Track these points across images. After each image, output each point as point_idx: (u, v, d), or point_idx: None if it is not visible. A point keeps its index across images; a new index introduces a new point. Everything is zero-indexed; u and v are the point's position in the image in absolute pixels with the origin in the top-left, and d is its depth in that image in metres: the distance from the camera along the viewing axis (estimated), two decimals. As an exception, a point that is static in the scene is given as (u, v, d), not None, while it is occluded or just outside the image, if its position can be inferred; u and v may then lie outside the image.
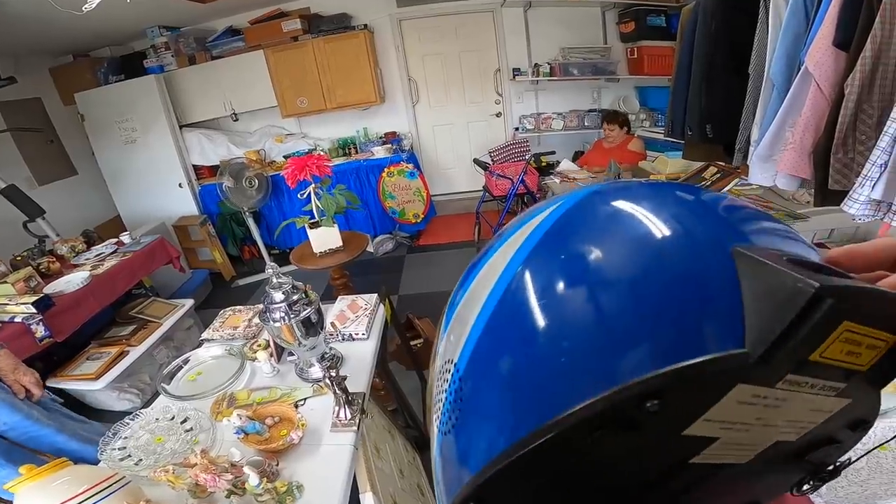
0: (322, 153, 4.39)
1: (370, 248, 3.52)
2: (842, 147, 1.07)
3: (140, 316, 2.73)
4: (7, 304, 2.15)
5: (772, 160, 1.33)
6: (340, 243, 2.24)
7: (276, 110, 4.44)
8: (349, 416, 1.05)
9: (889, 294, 0.18)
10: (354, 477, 1.02)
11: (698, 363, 0.17)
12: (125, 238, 3.03)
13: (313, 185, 2.12)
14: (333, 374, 1.01)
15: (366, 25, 4.20)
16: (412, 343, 2.43)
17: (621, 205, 0.23)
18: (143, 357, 2.55)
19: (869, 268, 0.23)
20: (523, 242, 0.24)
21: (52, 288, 2.41)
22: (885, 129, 0.93)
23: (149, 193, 4.23)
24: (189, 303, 2.96)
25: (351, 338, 1.41)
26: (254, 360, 1.33)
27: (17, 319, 2.10)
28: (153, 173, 4.17)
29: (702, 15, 1.77)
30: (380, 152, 4.29)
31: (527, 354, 0.20)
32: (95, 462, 1.07)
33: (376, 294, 1.60)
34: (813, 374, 0.19)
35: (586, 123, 4.54)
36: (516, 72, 4.48)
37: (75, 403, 2.38)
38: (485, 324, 0.23)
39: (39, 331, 2.14)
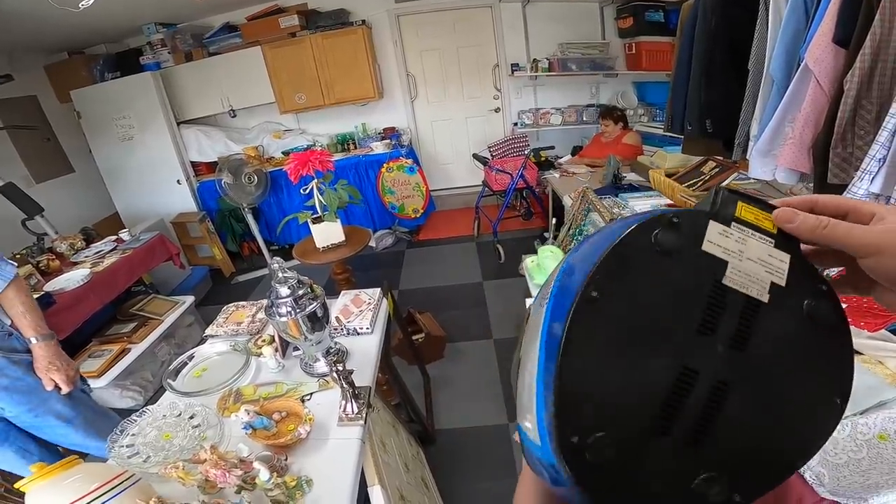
0: (320, 148, 4.38)
1: (371, 243, 3.53)
2: (841, 142, 1.08)
3: (141, 313, 2.73)
4: (8, 302, 2.15)
5: (771, 155, 1.35)
6: (343, 238, 2.25)
7: (274, 106, 4.43)
8: (356, 409, 1.06)
9: (749, 191, 0.37)
10: (362, 471, 1.04)
11: (690, 209, 0.32)
12: (124, 235, 3.03)
13: (316, 181, 2.13)
14: (340, 368, 1.02)
15: (364, 21, 4.19)
16: (414, 337, 2.44)
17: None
18: (144, 354, 2.56)
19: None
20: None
21: (53, 286, 2.41)
22: (883, 124, 0.95)
23: (147, 190, 4.22)
24: (190, 299, 2.96)
25: (356, 332, 1.42)
26: (259, 355, 1.34)
27: (19, 317, 2.10)
28: (151, 170, 4.16)
29: (702, 11, 1.77)
30: (379, 148, 4.29)
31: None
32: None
33: (379, 288, 1.61)
34: (746, 225, 0.32)
35: (584, 118, 4.55)
36: (515, 67, 4.47)
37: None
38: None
39: (41, 329, 2.13)
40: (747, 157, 1.49)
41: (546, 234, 3.48)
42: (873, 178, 0.98)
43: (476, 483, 1.82)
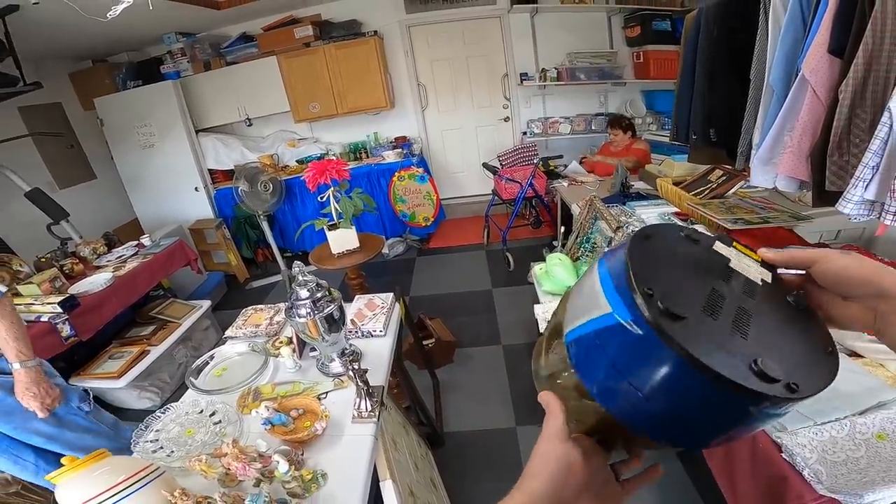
0: (334, 157, 4.47)
1: (383, 251, 3.59)
2: (837, 150, 1.11)
3: (160, 316, 2.82)
4: (33, 304, 2.23)
5: (772, 163, 1.38)
6: (357, 244, 2.31)
7: (289, 115, 4.54)
8: (370, 407, 1.11)
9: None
10: (374, 466, 1.08)
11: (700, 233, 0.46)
12: (146, 241, 3.12)
13: (332, 189, 2.20)
14: (356, 367, 1.07)
15: (375, 32, 4.29)
16: (424, 342, 2.48)
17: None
18: (162, 356, 2.64)
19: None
20: None
21: (77, 288, 2.49)
22: (875, 132, 0.98)
23: (166, 197, 4.34)
24: (206, 304, 3.05)
25: (369, 334, 1.48)
26: (277, 356, 1.40)
27: (44, 318, 2.18)
28: (170, 177, 4.28)
29: (704, 21, 1.81)
30: (390, 156, 4.37)
31: None
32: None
33: (392, 293, 1.66)
34: (740, 250, 0.45)
35: (593, 127, 4.59)
36: (524, 76, 4.54)
37: (96, 401, 2.46)
38: None
39: (65, 330, 2.21)
40: (750, 165, 1.53)
41: (555, 243, 3.52)
42: (867, 186, 1.02)
43: (483, 484, 1.85)
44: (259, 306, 1.75)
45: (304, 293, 1.18)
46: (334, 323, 1.21)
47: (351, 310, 1.58)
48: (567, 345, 0.42)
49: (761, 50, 1.49)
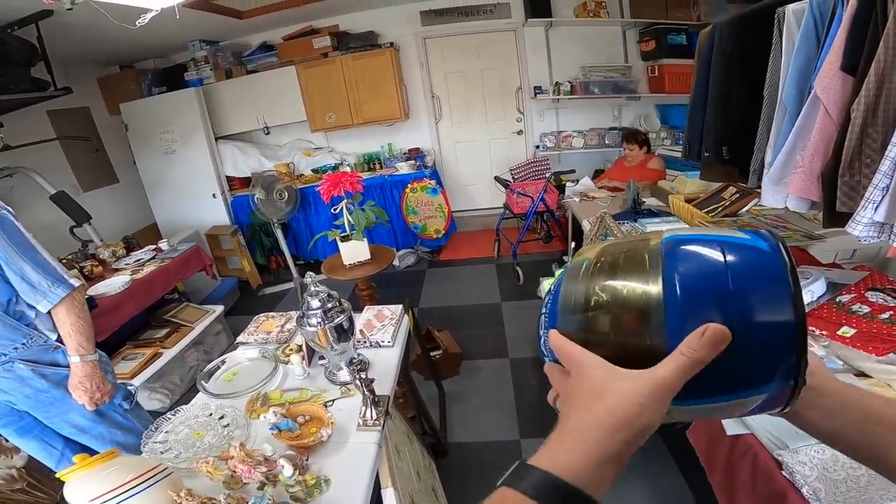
0: (348, 167, 4.54)
1: (394, 262, 3.62)
2: (848, 170, 1.11)
3: (174, 320, 2.87)
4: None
5: (783, 182, 1.37)
6: (368, 256, 2.34)
7: (306, 125, 4.63)
8: (375, 416, 1.13)
9: None
10: (377, 474, 1.09)
11: None
12: (163, 245, 3.20)
13: (346, 201, 2.24)
14: (363, 377, 1.09)
15: (392, 43, 4.36)
16: (432, 354, 2.49)
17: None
18: (174, 359, 2.68)
19: None
20: None
21: (95, 290, 2.56)
22: (886, 153, 0.98)
23: (184, 202, 4.44)
24: (219, 309, 3.10)
25: (378, 345, 1.50)
26: (286, 362, 1.42)
27: (64, 319, 2.24)
28: (189, 183, 4.38)
29: (718, 38, 1.81)
30: (404, 168, 4.41)
31: None
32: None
33: (401, 305, 1.68)
34: None
35: (607, 142, 4.59)
36: (537, 90, 4.57)
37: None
38: None
39: (83, 331, 2.27)
40: (762, 184, 1.52)
41: (565, 258, 3.51)
42: (877, 207, 1.01)
43: (485, 495, 1.84)
44: (271, 313, 1.78)
45: (315, 303, 1.21)
46: (343, 333, 1.24)
47: (360, 320, 1.60)
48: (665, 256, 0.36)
49: (775, 67, 1.49)
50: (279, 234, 4.00)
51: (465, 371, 2.67)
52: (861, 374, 1.14)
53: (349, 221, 2.29)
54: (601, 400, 0.34)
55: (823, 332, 1.29)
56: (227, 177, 4.55)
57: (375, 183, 4.34)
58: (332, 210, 2.35)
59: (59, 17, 2.62)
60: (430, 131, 4.91)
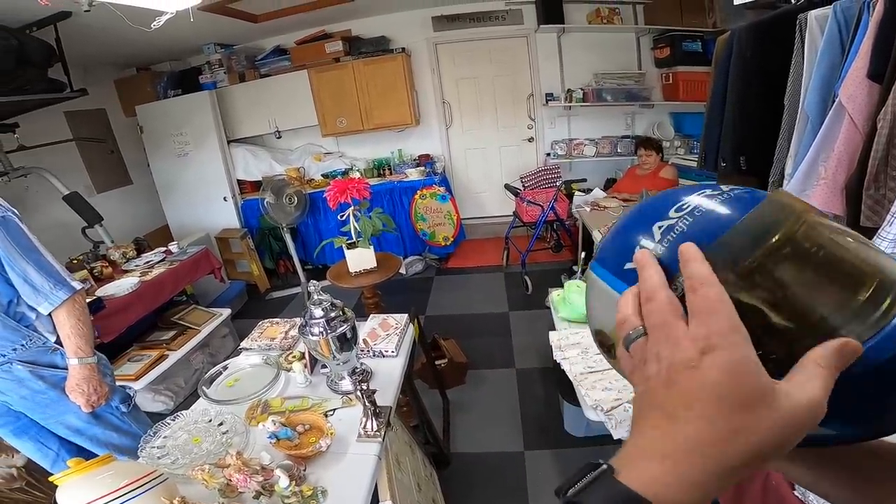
0: (358, 173, 4.53)
1: (401, 269, 3.60)
2: (874, 183, 1.06)
3: (181, 322, 2.86)
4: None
5: (804, 195, 1.33)
6: (375, 264, 2.32)
7: (317, 129, 4.63)
8: (375, 427, 1.10)
9: None
10: (376, 486, 1.06)
11: None
12: (173, 248, 3.21)
13: (353, 208, 2.22)
14: (364, 388, 1.06)
15: (403, 49, 4.36)
16: (437, 362, 2.46)
17: None
18: (180, 361, 2.67)
19: None
20: None
21: (104, 291, 2.57)
22: (914, 167, 0.93)
23: (196, 205, 4.46)
24: (227, 312, 3.09)
25: (381, 354, 1.47)
26: (289, 370, 1.40)
27: (71, 319, 2.24)
28: (201, 186, 4.40)
29: (737, 45, 1.77)
30: (413, 174, 4.39)
31: None
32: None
33: (406, 314, 1.65)
34: None
35: (619, 150, 4.52)
36: (549, 97, 4.53)
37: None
38: None
39: (90, 331, 2.27)
40: (781, 195, 1.47)
41: (574, 268, 3.45)
42: (903, 223, 0.96)
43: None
44: (276, 319, 1.76)
45: (318, 312, 1.19)
46: (346, 342, 1.21)
47: (365, 329, 1.58)
48: None
49: (796, 74, 1.45)
50: (288, 238, 4.00)
51: (470, 380, 2.63)
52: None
53: (355, 228, 2.27)
54: (750, 412, 0.24)
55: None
56: (238, 180, 4.57)
57: (385, 189, 4.33)
58: (339, 217, 2.33)
59: (77, 18, 2.64)
60: (440, 137, 4.89)
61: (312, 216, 4.34)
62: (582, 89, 4.44)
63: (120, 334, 2.49)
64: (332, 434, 1.10)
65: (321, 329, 1.18)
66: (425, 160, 4.68)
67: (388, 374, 1.40)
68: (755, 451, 0.24)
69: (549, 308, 2.04)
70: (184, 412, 1.29)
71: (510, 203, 4.19)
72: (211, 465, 1.03)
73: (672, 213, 0.32)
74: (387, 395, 1.29)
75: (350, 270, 2.33)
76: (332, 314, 1.19)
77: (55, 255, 1.50)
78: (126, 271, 2.93)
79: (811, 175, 1.29)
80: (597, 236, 2.56)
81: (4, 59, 2.46)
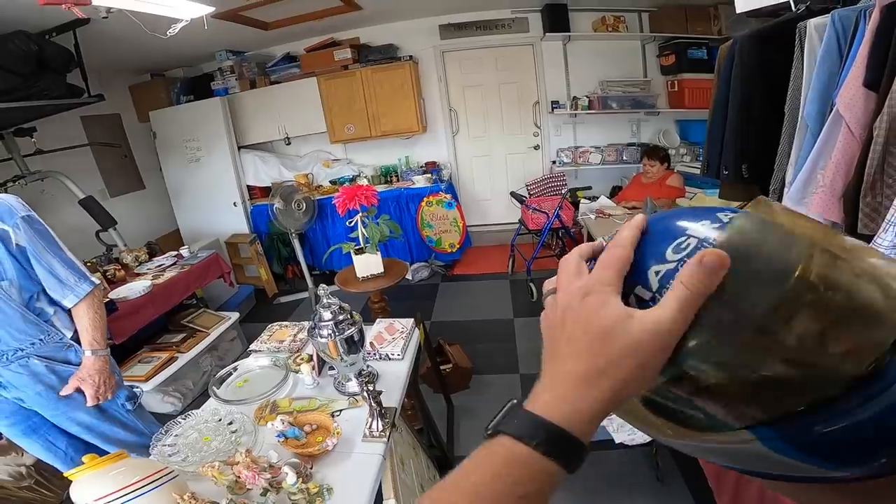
0: (365, 180, 4.58)
1: (407, 276, 3.63)
2: (871, 190, 1.08)
3: (191, 325, 2.91)
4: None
5: (803, 203, 1.34)
6: (382, 269, 2.35)
7: (325, 136, 4.69)
8: (381, 428, 1.12)
9: None
10: (380, 485, 1.09)
11: None
12: (184, 252, 3.27)
13: (361, 214, 2.26)
14: (370, 389, 1.09)
15: (411, 56, 4.42)
16: (441, 367, 2.48)
17: None
18: (189, 364, 2.72)
19: None
20: None
21: (116, 294, 2.63)
22: (908, 175, 0.95)
23: (206, 210, 4.53)
24: (235, 316, 3.14)
25: (387, 357, 1.50)
26: (297, 371, 1.43)
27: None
28: (212, 191, 4.47)
29: (739, 53, 1.79)
30: (420, 181, 4.43)
31: None
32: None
33: (412, 319, 1.69)
34: None
35: (625, 157, 4.53)
36: (555, 104, 4.55)
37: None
38: None
39: (103, 333, 2.32)
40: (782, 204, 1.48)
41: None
42: (899, 230, 0.97)
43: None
44: (284, 323, 1.80)
45: (327, 315, 1.22)
46: (354, 345, 1.25)
47: (371, 332, 1.61)
48: None
49: (796, 83, 1.47)
50: (296, 243, 4.05)
51: (474, 385, 2.64)
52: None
53: (363, 235, 2.31)
54: (608, 341, 0.29)
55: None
56: (247, 186, 4.63)
57: (392, 196, 4.36)
58: (347, 223, 2.37)
59: (94, 24, 2.71)
60: (446, 145, 4.93)
61: (320, 222, 4.38)
62: (587, 97, 4.46)
63: (131, 336, 2.54)
64: (338, 434, 1.13)
65: (330, 331, 1.22)
66: (432, 167, 4.72)
67: (394, 376, 1.43)
68: (620, 375, 0.29)
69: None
70: (194, 412, 1.32)
71: (516, 210, 4.21)
72: (220, 462, 1.07)
73: (670, 255, 0.30)
74: (392, 396, 1.32)
75: (357, 275, 2.37)
76: (341, 317, 1.23)
77: (72, 256, 1.57)
78: (138, 275, 2.99)
79: (810, 183, 1.31)
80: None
81: (25, 63, 2.51)
